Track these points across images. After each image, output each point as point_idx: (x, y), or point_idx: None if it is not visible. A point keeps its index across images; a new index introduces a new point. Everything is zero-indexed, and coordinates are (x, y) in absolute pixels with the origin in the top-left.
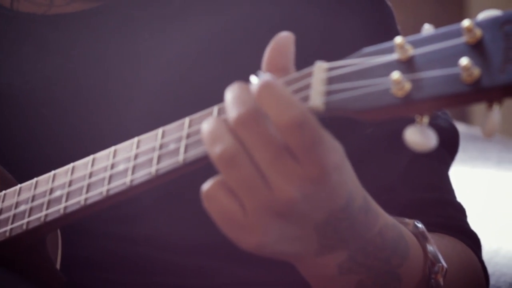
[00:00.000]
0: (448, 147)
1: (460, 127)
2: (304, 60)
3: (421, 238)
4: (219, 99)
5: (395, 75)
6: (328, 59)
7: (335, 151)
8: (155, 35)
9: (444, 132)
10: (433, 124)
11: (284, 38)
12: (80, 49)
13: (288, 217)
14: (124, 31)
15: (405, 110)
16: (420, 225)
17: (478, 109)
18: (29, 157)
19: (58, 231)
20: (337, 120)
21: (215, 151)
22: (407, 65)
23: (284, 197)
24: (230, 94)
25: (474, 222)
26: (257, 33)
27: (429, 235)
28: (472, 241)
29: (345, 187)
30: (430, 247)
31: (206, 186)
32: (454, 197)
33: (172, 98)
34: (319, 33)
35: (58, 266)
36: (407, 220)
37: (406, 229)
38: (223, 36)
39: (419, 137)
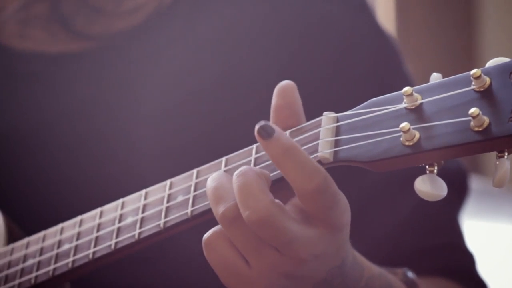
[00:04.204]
0: (457, 189)
1: (474, 180)
2: (312, 103)
3: (412, 287)
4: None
5: (404, 125)
6: (335, 101)
7: (348, 210)
8: (150, 68)
9: (452, 174)
10: (441, 167)
11: (287, 88)
12: (85, 87)
13: (294, 276)
14: (124, 67)
15: (414, 160)
16: (410, 273)
17: (491, 160)
18: (36, 199)
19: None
20: (344, 166)
21: (218, 210)
22: (416, 114)
23: (296, 259)
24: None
25: (489, 277)
26: (262, 72)
27: (420, 283)
28: (478, 287)
29: (346, 245)
30: None
31: (207, 234)
32: (463, 241)
33: (178, 126)
34: (327, 76)
35: None
36: (397, 270)
37: (395, 278)
38: (228, 67)
39: (429, 186)
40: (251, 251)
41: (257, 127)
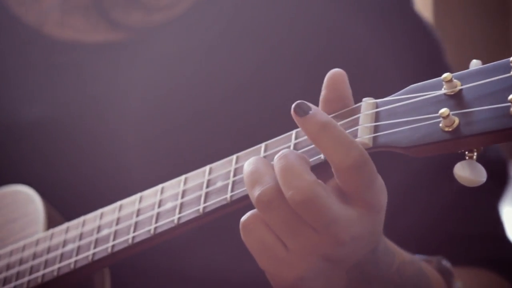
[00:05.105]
0: (497, 178)
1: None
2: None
3: (446, 275)
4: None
5: (444, 110)
6: (377, 88)
7: (384, 192)
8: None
9: (493, 164)
10: (481, 156)
11: (337, 79)
12: (121, 77)
13: (332, 259)
14: (155, 61)
15: (454, 145)
16: (444, 261)
17: None
18: (72, 188)
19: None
20: (385, 153)
21: (254, 193)
22: (456, 100)
23: (335, 240)
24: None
25: None
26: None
27: (455, 271)
28: None
29: (379, 229)
30: (457, 283)
31: (244, 217)
32: (503, 231)
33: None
34: (370, 64)
35: None
36: (431, 258)
37: (429, 265)
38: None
39: (469, 172)
40: (289, 233)
41: (293, 105)
